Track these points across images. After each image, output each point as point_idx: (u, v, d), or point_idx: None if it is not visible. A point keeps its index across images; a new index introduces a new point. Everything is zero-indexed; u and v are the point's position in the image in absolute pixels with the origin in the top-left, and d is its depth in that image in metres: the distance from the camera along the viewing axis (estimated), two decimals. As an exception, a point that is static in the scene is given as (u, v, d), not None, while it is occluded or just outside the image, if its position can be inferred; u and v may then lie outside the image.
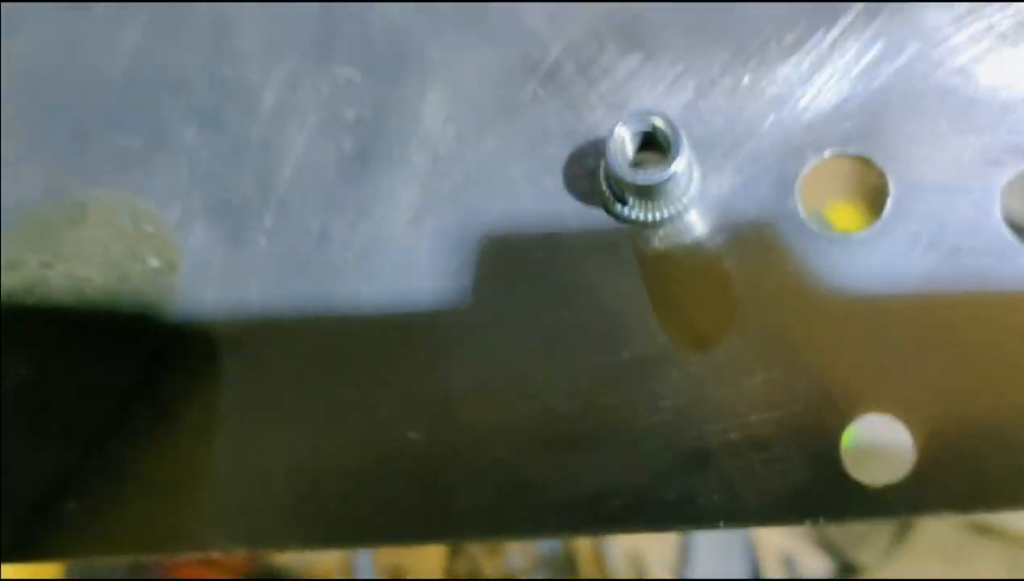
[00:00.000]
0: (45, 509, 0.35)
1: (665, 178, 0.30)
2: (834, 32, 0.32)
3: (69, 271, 0.31)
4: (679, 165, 0.30)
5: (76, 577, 1.09)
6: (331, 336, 0.34)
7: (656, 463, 0.31)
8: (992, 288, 0.30)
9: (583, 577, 1.19)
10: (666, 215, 0.32)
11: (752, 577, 1.21)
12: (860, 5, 0.32)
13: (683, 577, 1.18)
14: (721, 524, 0.31)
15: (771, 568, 1.21)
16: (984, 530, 1.11)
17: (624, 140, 0.31)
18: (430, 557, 1.21)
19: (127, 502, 0.35)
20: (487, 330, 0.33)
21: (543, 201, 0.34)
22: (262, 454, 0.34)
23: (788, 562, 1.21)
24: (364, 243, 0.35)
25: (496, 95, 0.35)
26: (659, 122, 0.30)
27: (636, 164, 0.31)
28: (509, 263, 0.33)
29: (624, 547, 1.20)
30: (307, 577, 1.20)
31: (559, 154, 0.34)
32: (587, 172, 0.33)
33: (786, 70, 0.32)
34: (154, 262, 0.32)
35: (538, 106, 0.34)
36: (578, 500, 0.32)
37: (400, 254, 0.34)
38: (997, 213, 0.30)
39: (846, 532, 1.19)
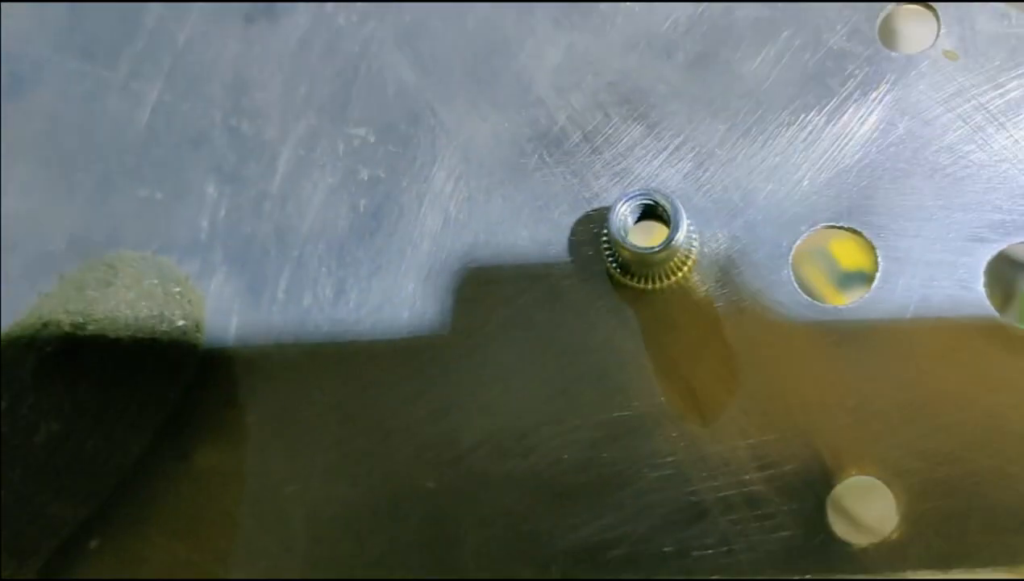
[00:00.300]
0: (71, 546, 0.36)
1: (663, 251, 0.32)
2: (829, 108, 0.34)
3: (100, 331, 0.33)
4: (678, 238, 0.32)
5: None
6: (346, 389, 0.36)
7: (655, 516, 0.33)
8: (972, 360, 0.31)
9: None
10: (668, 281, 0.34)
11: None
12: (853, 83, 0.34)
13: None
14: (715, 577, 0.33)
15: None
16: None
17: (626, 215, 0.32)
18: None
19: (149, 542, 0.37)
20: (496, 385, 0.35)
21: (549, 263, 0.35)
22: (280, 499, 0.36)
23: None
24: (378, 300, 0.36)
25: (504, 160, 0.37)
26: (660, 198, 0.32)
27: (635, 233, 0.33)
28: (517, 322, 0.35)
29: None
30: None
31: (564, 220, 0.35)
32: (591, 237, 0.35)
33: (782, 144, 0.34)
34: (180, 322, 0.34)
35: (544, 172, 0.36)
36: (580, 549, 0.34)
37: (412, 311, 0.36)
38: (980, 288, 0.32)
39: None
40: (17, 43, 0.44)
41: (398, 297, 0.36)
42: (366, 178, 0.38)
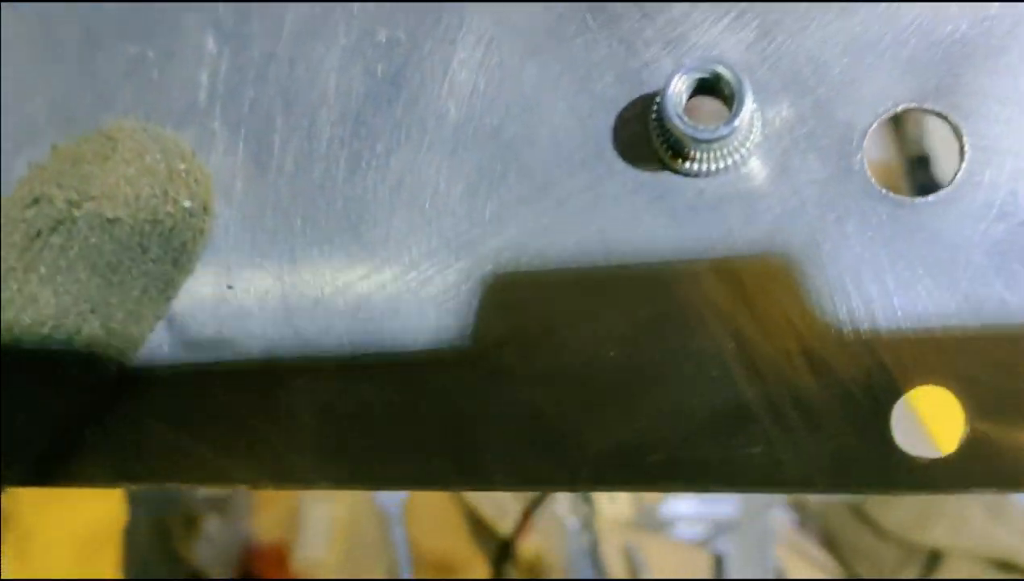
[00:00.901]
0: (64, 438, 0.34)
1: (727, 134, 0.28)
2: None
3: (97, 209, 0.29)
4: (742, 118, 0.28)
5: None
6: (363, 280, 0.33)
7: (696, 420, 0.31)
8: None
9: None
10: (722, 166, 0.30)
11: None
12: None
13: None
14: (760, 488, 0.30)
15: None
16: (1010, 568, 1.13)
17: (682, 90, 0.29)
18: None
19: (148, 431, 0.35)
20: (528, 276, 0.32)
21: (590, 141, 0.32)
22: (289, 393, 0.34)
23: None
24: (396, 177, 0.33)
25: (542, 22, 0.32)
26: (723, 71, 0.28)
27: (691, 110, 0.29)
28: (552, 205, 0.32)
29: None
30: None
31: (609, 92, 0.32)
32: (639, 112, 0.31)
33: (862, 12, 0.30)
34: (186, 202, 0.31)
35: (587, 37, 0.32)
36: (614, 453, 0.32)
37: (436, 191, 0.33)
38: (1075, 184, 0.28)
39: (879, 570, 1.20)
40: None
41: (419, 175, 0.33)
42: (384, 40, 0.33)
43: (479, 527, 1.23)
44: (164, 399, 0.34)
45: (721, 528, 1.25)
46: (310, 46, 0.34)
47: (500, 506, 1.22)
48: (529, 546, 1.21)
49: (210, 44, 0.35)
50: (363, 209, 0.33)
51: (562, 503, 1.22)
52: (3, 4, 0.40)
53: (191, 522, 1.17)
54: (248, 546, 1.24)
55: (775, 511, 1.27)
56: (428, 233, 0.33)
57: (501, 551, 1.19)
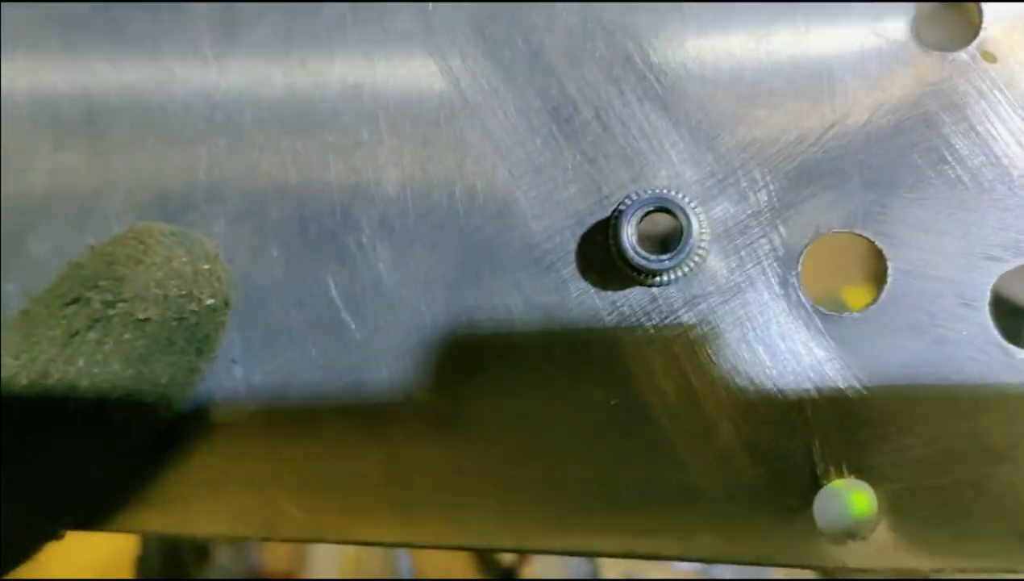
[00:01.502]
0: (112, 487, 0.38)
1: (676, 263, 0.32)
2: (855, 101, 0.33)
3: (130, 310, 0.33)
4: (691, 244, 0.31)
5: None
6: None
7: (651, 496, 0.35)
8: (970, 379, 0.32)
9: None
10: (679, 275, 0.33)
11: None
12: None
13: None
14: (697, 556, 0.35)
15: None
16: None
17: (634, 226, 0.32)
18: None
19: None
20: (503, 371, 0.36)
21: (554, 250, 0.35)
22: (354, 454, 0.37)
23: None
24: (388, 264, 0.36)
25: (513, 132, 0.35)
26: (671, 206, 0.31)
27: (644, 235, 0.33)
28: (520, 310, 0.35)
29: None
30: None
31: (573, 204, 0.35)
32: (600, 224, 0.35)
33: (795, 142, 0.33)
34: (209, 300, 0.34)
35: (554, 149, 0.35)
36: (580, 521, 0.36)
37: (402, 296, 0.36)
38: (986, 308, 0.32)
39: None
40: None
41: (407, 268, 0.36)
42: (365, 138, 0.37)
43: (482, 556, 1.26)
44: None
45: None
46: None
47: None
48: (531, 575, 1.24)
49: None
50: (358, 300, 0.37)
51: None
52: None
53: (202, 553, 1.21)
54: (258, 576, 1.28)
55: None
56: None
57: (504, 580, 1.23)
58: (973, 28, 0.32)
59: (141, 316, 0.33)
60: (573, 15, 0.35)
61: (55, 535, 0.37)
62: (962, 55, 0.32)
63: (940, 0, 0.32)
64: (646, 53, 0.34)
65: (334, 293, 0.37)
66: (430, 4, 0.36)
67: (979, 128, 0.32)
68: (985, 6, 0.31)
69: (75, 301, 0.33)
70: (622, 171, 0.34)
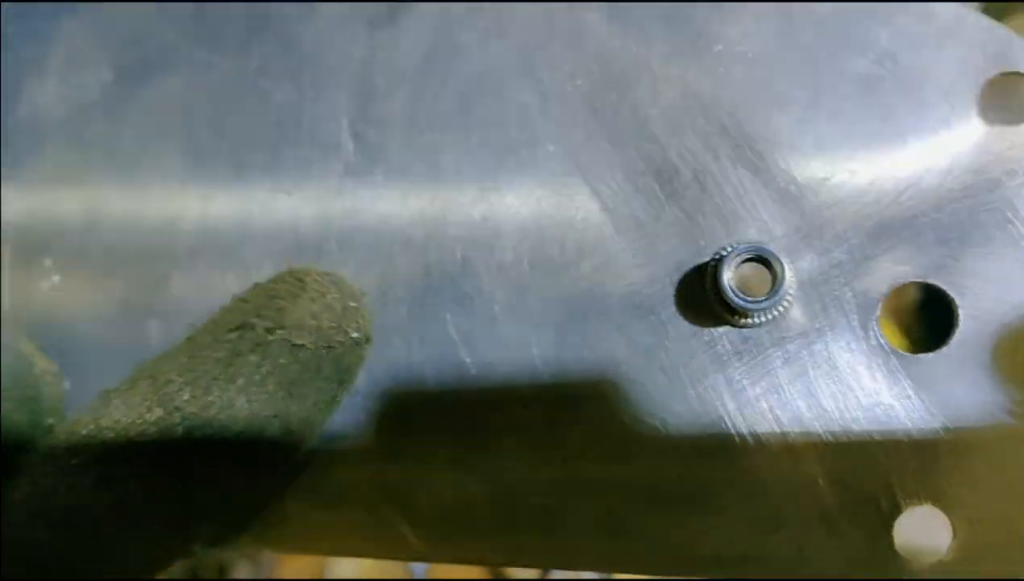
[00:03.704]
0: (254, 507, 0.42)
1: (770, 304, 0.36)
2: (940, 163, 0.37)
3: (287, 337, 0.37)
4: (784, 289, 0.36)
5: None
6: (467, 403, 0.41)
7: (739, 524, 0.38)
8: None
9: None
10: (768, 318, 0.37)
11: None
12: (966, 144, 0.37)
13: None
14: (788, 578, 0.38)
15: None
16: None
17: (733, 270, 0.36)
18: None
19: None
20: (604, 398, 0.40)
21: (654, 294, 0.39)
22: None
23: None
24: (503, 304, 0.40)
25: (621, 191, 0.40)
26: (767, 255, 0.36)
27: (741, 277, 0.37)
28: (623, 352, 0.39)
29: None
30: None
31: (672, 255, 0.39)
32: (698, 273, 0.39)
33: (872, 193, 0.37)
34: (354, 334, 0.39)
35: (656, 206, 0.39)
36: (671, 549, 0.39)
37: (514, 336, 0.40)
38: (1047, 348, 0.36)
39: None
40: (140, 27, 0.47)
41: (519, 309, 0.41)
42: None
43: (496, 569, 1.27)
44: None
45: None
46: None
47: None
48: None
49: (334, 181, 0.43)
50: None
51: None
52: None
53: (222, 570, 1.23)
54: (279, 589, 1.30)
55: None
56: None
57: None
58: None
59: (296, 342, 0.37)
60: (673, 89, 0.40)
61: (189, 551, 0.41)
62: (1021, 128, 0.37)
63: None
64: (739, 124, 0.39)
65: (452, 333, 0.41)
66: (544, 78, 0.41)
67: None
68: (1042, 87, 0.36)
69: (240, 327, 0.37)
70: (718, 226, 0.39)
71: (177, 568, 0.41)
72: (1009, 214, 0.36)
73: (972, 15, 0.38)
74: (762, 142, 0.39)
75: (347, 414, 0.41)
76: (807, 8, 0.39)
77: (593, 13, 0.41)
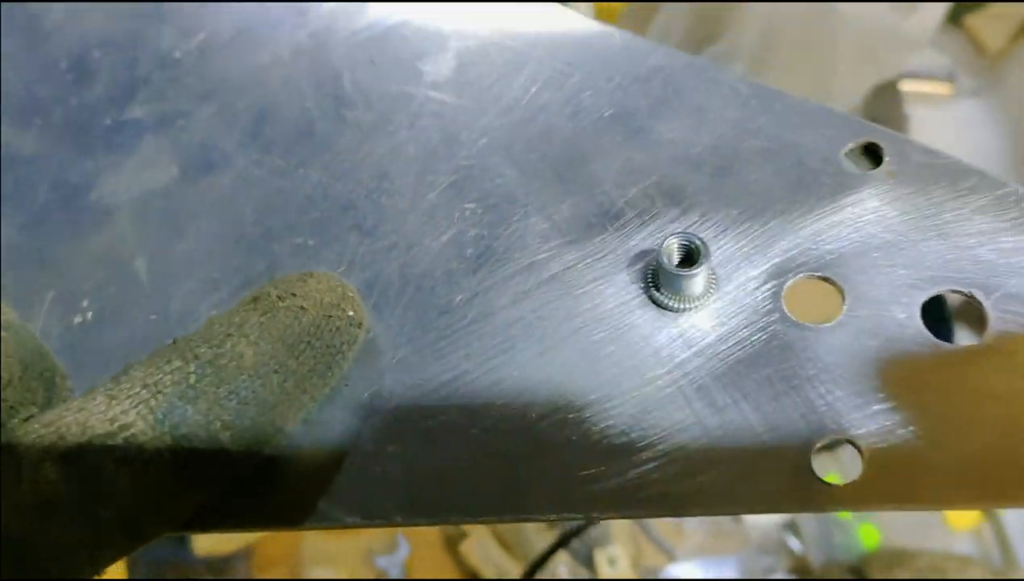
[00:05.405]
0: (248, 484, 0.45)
1: (695, 274, 0.45)
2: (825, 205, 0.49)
3: (294, 304, 0.44)
4: (704, 270, 0.45)
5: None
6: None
7: (675, 467, 0.44)
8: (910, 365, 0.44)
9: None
10: (688, 306, 0.46)
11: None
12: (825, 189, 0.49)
13: None
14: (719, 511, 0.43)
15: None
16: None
17: (672, 250, 0.46)
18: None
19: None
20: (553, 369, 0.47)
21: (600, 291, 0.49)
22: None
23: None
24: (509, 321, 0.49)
25: (574, 220, 0.51)
26: (695, 241, 0.46)
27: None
28: (577, 337, 0.47)
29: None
30: None
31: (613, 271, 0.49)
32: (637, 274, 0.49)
33: (779, 224, 0.49)
34: (351, 313, 0.46)
35: (603, 236, 0.50)
36: (619, 490, 0.44)
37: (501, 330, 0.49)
38: (918, 320, 0.45)
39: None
40: (209, 133, 0.60)
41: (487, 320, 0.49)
42: (472, 235, 0.52)
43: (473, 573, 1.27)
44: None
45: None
46: (423, 238, 0.52)
47: (500, 569, 1.23)
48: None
49: (352, 237, 0.53)
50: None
51: (562, 566, 1.22)
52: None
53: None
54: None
55: (776, 576, 1.29)
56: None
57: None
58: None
59: (302, 306, 0.44)
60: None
61: (198, 503, 0.42)
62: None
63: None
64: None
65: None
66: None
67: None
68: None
69: (255, 298, 0.45)
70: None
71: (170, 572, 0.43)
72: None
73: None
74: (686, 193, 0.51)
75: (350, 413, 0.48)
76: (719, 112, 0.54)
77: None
